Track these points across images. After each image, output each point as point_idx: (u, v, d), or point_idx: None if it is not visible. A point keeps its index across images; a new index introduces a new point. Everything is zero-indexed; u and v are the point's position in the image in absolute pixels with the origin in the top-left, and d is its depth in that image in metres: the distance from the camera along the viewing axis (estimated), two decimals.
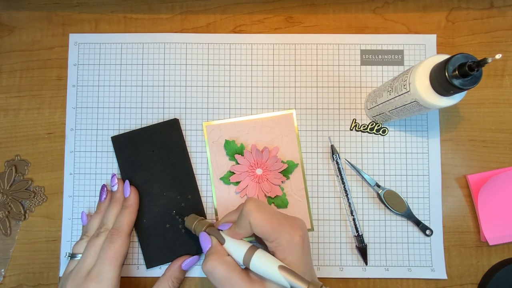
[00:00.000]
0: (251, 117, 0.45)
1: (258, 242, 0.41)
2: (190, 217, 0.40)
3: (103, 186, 0.43)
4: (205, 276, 0.44)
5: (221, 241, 0.35)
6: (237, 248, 0.34)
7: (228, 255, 0.35)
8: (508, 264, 0.43)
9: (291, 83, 0.46)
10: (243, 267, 0.35)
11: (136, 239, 0.44)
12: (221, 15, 0.47)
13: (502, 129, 0.45)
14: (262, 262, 0.33)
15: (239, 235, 0.35)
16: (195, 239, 0.43)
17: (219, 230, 0.37)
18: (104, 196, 0.43)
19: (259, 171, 0.44)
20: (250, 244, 0.35)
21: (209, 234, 0.37)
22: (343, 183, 0.44)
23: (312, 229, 0.44)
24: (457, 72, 0.29)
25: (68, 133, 0.46)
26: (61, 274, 0.44)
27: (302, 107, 0.46)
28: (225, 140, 0.45)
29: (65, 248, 0.44)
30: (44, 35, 0.47)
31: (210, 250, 0.35)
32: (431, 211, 0.44)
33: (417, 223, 0.44)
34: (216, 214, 0.44)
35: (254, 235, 0.36)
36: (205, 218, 0.44)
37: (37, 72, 0.46)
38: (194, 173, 0.44)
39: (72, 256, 0.39)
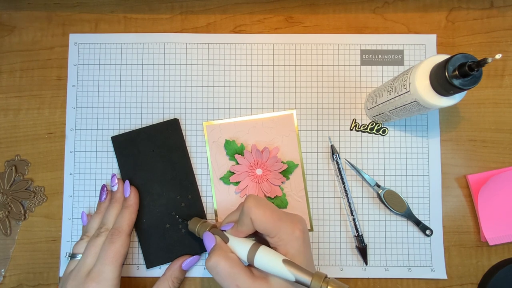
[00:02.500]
0: (251, 117, 0.45)
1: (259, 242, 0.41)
2: (193, 220, 0.40)
3: (103, 186, 0.43)
4: (205, 276, 0.44)
5: (225, 240, 0.36)
6: (240, 245, 0.35)
7: (232, 252, 0.35)
8: (508, 264, 0.43)
9: (291, 83, 0.46)
10: (247, 264, 0.35)
11: (136, 239, 0.44)
12: (221, 15, 0.47)
13: (502, 129, 0.45)
14: (266, 257, 0.33)
15: (242, 233, 0.35)
16: (195, 239, 0.43)
17: (222, 230, 0.37)
18: (104, 196, 0.43)
19: (259, 171, 0.44)
20: (253, 241, 0.35)
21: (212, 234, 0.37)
22: (343, 183, 0.44)
23: (312, 229, 0.44)
24: (457, 72, 0.29)
25: (68, 133, 0.46)
26: (61, 274, 0.44)
27: (302, 107, 0.46)
28: (225, 140, 0.45)
29: (65, 248, 0.44)
30: (44, 35, 0.47)
31: (214, 247, 0.35)
32: (431, 211, 0.44)
33: (417, 223, 0.44)
34: (216, 215, 0.44)
35: (255, 235, 0.36)
36: (205, 218, 0.44)
37: (37, 72, 0.46)
38: (194, 173, 0.44)
39: (72, 256, 0.39)
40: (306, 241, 0.34)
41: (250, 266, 0.35)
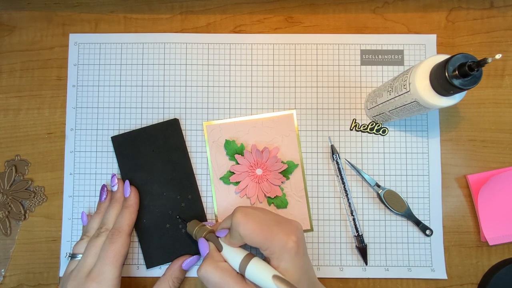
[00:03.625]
0: (251, 117, 0.45)
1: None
2: (192, 222, 0.40)
3: (103, 186, 0.43)
4: None
5: (219, 248, 0.36)
6: (233, 255, 0.35)
7: (224, 261, 0.35)
8: (508, 264, 0.43)
9: (291, 83, 0.46)
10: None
11: (136, 239, 0.44)
12: (221, 15, 0.47)
13: (502, 129, 0.45)
14: (256, 271, 0.33)
15: (234, 244, 0.35)
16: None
17: (218, 237, 0.37)
18: (104, 196, 0.43)
19: (259, 171, 0.44)
20: (246, 252, 0.35)
21: (208, 240, 0.37)
22: (343, 183, 0.44)
23: (312, 230, 0.44)
24: (457, 72, 0.29)
25: (68, 133, 0.46)
26: (61, 274, 0.44)
27: (302, 107, 0.46)
28: (225, 140, 0.45)
29: (65, 248, 0.44)
30: (44, 35, 0.47)
31: (206, 255, 0.36)
32: (431, 211, 0.44)
33: (417, 223, 0.44)
34: (216, 215, 0.44)
35: None
36: (205, 218, 0.44)
37: (37, 72, 0.46)
38: (194, 173, 0.44)
39: (73, 256, 0.39)
40: (301, 251, 0.33)
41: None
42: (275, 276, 0.32)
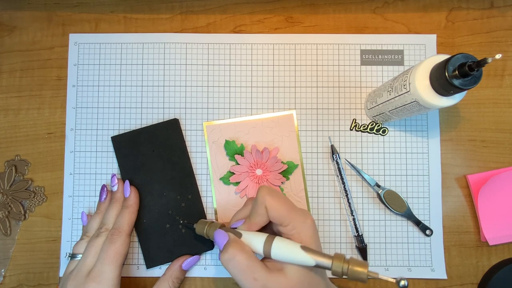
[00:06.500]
0: (251, 118, 0.45)
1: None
2: (200, 222, 0.39)
3: (103, 186, 0.43)
4: (205, 276, 0.44)
5: (238, 236, 0.35)
6: (255, 239, 0.34)
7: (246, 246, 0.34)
8: (508, 264, 0.43)
9: (291, 83, 0.46)
10: (260, 258, 0.35)
11: (136, 239, 0.44)
12: (221, 15, 0.47)
13: (502, 129, 0.45)
14: (283, 247, 0.32)
15: (255, 224, 0.35)
16: (196, 239, 0.43)
17: (233, 228, 0.36)
18: (104, 196, 0.43)
19: (259, 172, 0.44)
20: (267, 234, 0.34)
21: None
22: (343, 183, 0.44)
23: None
24: (457, 72, 0.29)
25: (68, 133, 0.46)
26: (61, 274, 0.44)
27: (302, 107, 0.46)
28: (225, 140, 0.45)
29: (65, 248, 0.44)
30: (44, 35, 0.47)
31: (228, 241, 0.34)
32: (431, 211, 0.44)
33: (417, 223, 0.44)
34: (216, 215, 0.44)
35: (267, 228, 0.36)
36: (205, 218, 0.44)
37: (37, 72, 0.46)
38: (194, 173, 0.44)
39: (73, 256, 0.39)
40: (316, 231, 0.34)
41: (263, 260, 0.34)
42: (303, 247, 0.32)
